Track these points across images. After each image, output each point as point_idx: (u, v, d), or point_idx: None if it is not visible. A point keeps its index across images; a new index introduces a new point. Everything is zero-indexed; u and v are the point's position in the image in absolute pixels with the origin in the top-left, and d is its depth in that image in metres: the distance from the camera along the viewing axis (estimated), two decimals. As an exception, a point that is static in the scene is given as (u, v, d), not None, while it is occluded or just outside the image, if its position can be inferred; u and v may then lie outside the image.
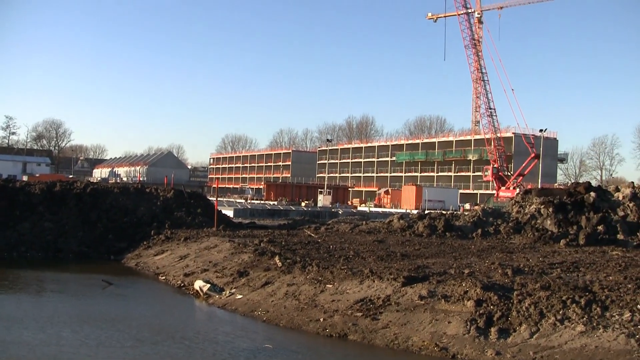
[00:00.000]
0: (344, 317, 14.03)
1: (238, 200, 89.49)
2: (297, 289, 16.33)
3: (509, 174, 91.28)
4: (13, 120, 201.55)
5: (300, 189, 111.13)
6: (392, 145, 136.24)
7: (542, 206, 27.89)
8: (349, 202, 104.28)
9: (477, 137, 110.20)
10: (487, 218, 28.98)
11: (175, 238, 26.87)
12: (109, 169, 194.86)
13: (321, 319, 14.21)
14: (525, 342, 11.62)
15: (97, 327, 14.11)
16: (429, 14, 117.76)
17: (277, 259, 19.28)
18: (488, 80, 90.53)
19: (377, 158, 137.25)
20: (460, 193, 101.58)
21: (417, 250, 21.90)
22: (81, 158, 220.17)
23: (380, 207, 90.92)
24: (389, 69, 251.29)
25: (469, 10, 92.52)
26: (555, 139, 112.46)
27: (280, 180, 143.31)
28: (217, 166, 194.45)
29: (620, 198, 28.06)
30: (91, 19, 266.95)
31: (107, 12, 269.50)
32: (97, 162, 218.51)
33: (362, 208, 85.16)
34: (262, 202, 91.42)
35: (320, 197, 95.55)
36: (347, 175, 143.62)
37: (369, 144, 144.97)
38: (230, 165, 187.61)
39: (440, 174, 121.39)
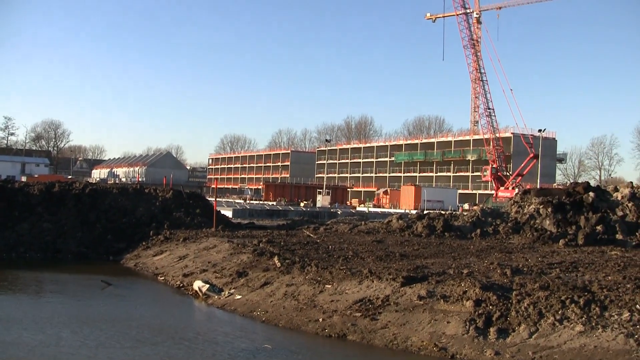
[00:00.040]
0: (343, 318, 14.03)
1: (237, 201, 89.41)
2: (296, 290, 16.34)
3: (508, 174, 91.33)
4: (12, 120, 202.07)
5: (299, 190, 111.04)
6: (390, 145, 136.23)
7: (541, 206, 27.90)
8: (348, 203, 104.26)
9: (476, 137, 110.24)
10: (486, 218, 28.99)
11: (174, 238, 26.86)
12: (108, 170, 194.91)
13: (320, 319, 14.21)
14: (524, 342, 11.63)
15: (96, 327, 14.10)
16: (428, 14, 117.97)
17: (276, 259, 19.28)
18: (487, 81, 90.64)
19: (376, 158, 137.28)
20: (459, 193, 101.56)
21: (416, 250, 21.91)
22: (80, 159, 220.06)
23: (379, 207, 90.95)
24: (387, 69, 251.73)
25: (468, 11, 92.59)
26: (554, 139, 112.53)
27: (279, 181, 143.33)
28: (216, 166, 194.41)
29: (619, 198, 28.07)
30: (90, 19, 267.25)
31: (105, 13, 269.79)
32: (96, 163, 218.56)
33: (361, 208, 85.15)
34: (261, 202, 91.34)
35: (319, 197, 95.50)
36: (346, 175, 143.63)
37: (368, 144, 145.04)
38: (229, 166, 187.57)
39: (439, 174, 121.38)
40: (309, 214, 57.62)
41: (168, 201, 32.56)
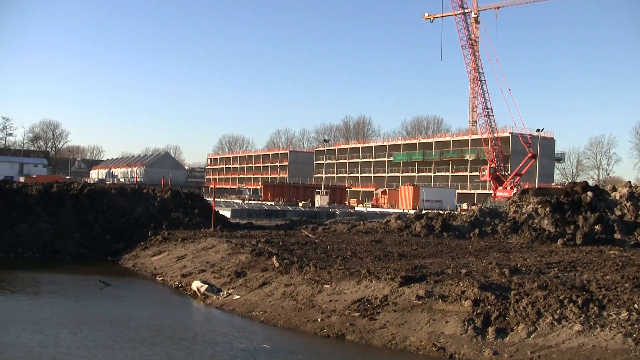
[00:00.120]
0: (341, 318, 14.03)
1: (235, 201, 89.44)
2: (294, 290, 16.33)
3: (506, 173, 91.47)
4: (10, 121, 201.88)
5: (298, 190, 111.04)
6: (389, 145, 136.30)
7: (540, 206, 27.92)
8: (347, 203, 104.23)
9: (475, 137, 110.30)
10: (484, 218, 29.00)
11: (173, 239, 26.85)
12: (106, 170, 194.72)
13: (319, 319, 14.21)
14: (523, 341, 11.64)
15: (95, 328, 14.10)
16: (426, 14, 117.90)
17: (274, 259, 19.28)
18: (485, 80, 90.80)
19: (375, 158, 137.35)
20: (458, 193, 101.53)
21: (414, 250, 21.91)
22: (78, 159, 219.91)
23: (377, 207, 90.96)
24: (385, 69, 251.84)
25: (466, 10, 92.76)
26: (552, 138, 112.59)
27: (277, 181, 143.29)
28: (215, 167, 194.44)
29: (617, 197, 28.10)
30: (88, 20, 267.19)
31: (104, 14, 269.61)
32: (94, 163, 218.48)
33: (360, 208, 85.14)
34: (260, 202, 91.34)
35: (317, 197, 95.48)
36: (345, 175, 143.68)
37: (366, 144, 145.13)
38: (227, 166, 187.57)
39: (437, 174, 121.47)
40: (308, 214, 57.63)
41: (166, 201, 32.54)
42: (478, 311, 12.70)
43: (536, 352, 11.20)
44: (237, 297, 17.07)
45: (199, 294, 17.99)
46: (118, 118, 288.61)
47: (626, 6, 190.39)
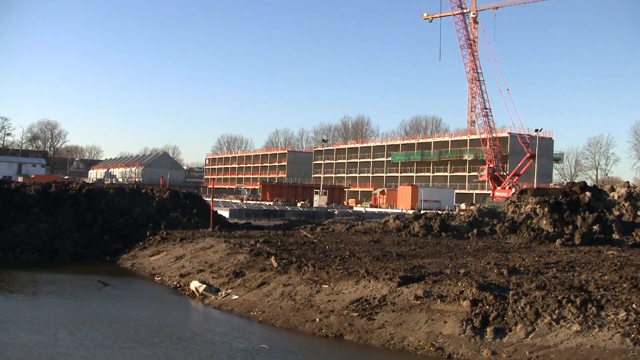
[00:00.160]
0: (339, 318, 14.04)
1: (234, 201, 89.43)
2: (293, 290, 16.34)
3: (505, 174, 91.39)
4: (8, 121, 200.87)
5: (296, 190, 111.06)
6: (387, 145, 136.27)
7: (538, 206, 27.94)
8: (345, 203, 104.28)
9: (473, 137, 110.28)
10: (482, 218, 29.02)
11: (171, 239, 26.85)
12: (105, 170, 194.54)
13: (317, 319, 14.22)
14: (521, 341, 11.65)
15: (93, 328, 14.10)
16: (424, 14, 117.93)
17: (273, 259, 19.28)
18: (483, 80, 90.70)
19: (373, 158, 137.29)
20: (456, 193, 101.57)
21: (412, 250, 21.92)
22: (76, 159, 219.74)
23: (376, 207, 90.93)
24: (384, 69, 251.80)
25: (464, 10, 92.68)
26: (550, 138, 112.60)
27: (276, 181, 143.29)
28: (213, 167, 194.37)
29: (616, 198, 28.12)
30: (87, 20, 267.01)
31: (102, 14, 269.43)
32: (93, 163, 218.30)
33: (358, 208, 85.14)
34: (258, 202, 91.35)
35: (316, 197, 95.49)
36: (343, 175, 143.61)
37: (365, 144, 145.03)
38: (226, 166, 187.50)
39: (436, 174, 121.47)
40: (306, 214, 57.66)
41: (165, 201, 32.55)
42: (476, 311, 12.71)
43: (534, 352, 11.21)
44: (236, 297, 17.07)
45: (197, 294, 17.99)
46: (117, 118, 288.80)
47: (625, 7, 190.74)
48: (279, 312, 15.20)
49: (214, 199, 38.35)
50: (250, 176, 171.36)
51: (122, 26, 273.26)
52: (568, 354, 10.94)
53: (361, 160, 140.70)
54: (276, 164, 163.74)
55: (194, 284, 18.52)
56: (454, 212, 37.96)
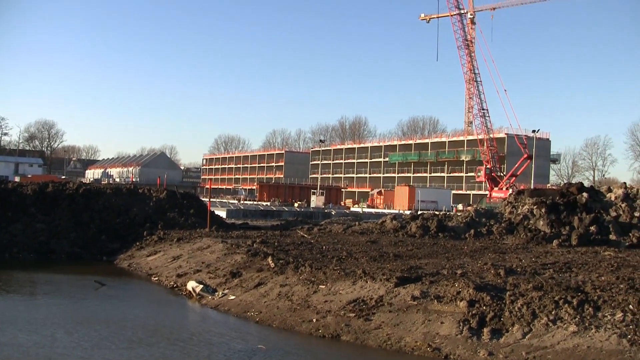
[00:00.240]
0: (336, 318, 14.04)
1: (231, 201, 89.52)
2: (290, 290, 16.34)
3: (502, 174, 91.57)
4: (5, 120, 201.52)
5: (293, 190, 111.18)
6: (385, 145, 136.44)
7: (535, 207, 27.96)
8: (342, 203, 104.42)
9: (470, 137, 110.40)
10: (479, 219, 29.03)
11: (168, 239, 26.83)
12: (102, 170, 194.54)
13: (314, 320, 14.22)
14: (518, 342, 11.66)
15: (91, 328, 14.08)
16: (422, 15, 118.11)
17: (270, 259, 19.28)
18: (481, 81, 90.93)
19: (370, 159, 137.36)
20: (453, 194, 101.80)
21: (409, 250, 21.92)
22: (74, 159, 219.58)
23: (373, 207, 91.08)
24: (381, 70, 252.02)
25: (462, 11, 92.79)
26: (547, 139, 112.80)
27: (273, 181, 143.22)
28: (210, 167, 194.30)
29: (613, 199, 28.15)
30: (85, 20, 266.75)
31: (100, 14, 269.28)
32: (90, 163, 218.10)
33: (355, 209, 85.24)
34: (255, 202, 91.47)
35: (313, 197, 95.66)
36: (340, 175, 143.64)
37: (362, 145, 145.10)
38: (223, 166, 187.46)
39: (433, 174, 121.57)
40: (303, 214, 57.65)
41: (162, 201, 32.53)
42: (473, 312, 12.71)
43: (531, 353, 11.22)
44: (233, 297, 17.07)
45: (194, 294, 17.98)
46: (114, 118, 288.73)
47: (623, 7, 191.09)
48: (276, 312, 15.20)
49: (211, 199, 38.38)
50: (248, 176, 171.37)
51: (120, 26, 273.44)
52: (565, 355, 10.96)
53: (358, 160, 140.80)
54: (273, 164, 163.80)
55: (191, 284, 18.50)
56: (451, 213, 37.97)
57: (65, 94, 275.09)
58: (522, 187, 54.97)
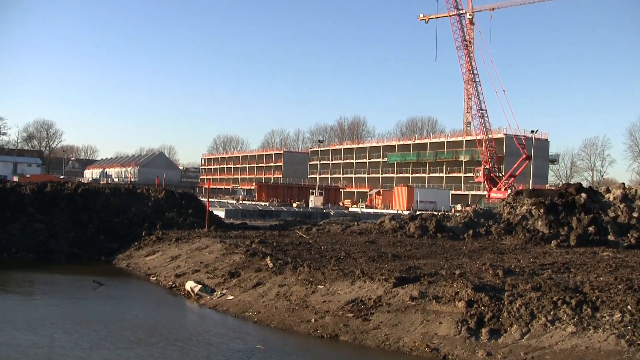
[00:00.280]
0: (335, 318, 14.04)
1: (229, 201, 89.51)
2: (288, 290, 16.34)
3: (501, 175, 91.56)
4: (3, 120, 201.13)
5: (292, 190, 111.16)
6: (383, 146, 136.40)
7: (533, 207, 27.98)
8: (341, 203, 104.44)
9: (469, 138, 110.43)
10: (478, 219, 29.04)
11: (167, 239, 26.83)
12: (100, 170, 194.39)
13: (312, 320, 14.22)
14: (516, 342, 11.66)
15: (90, 328, 14.07)
16: (421, 15, 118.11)
17: (268, 259, 19.28)
18: (479, 82, 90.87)
19: (369, 159, 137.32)
20: (452, 194, 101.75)
21: (408, 251, 21.93)
22: (72, 159, 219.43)
23: (371, 208, 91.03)
24: (380, 70, 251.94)
25: (461, 12, 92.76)
26: (546, 140, 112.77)
27: (271, 181, 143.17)
28: (209, 167, 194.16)
29: (611, 199, 28.17)
30: (84, 20, 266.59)
31: (98, 14, 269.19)
32: (88, 163, 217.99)
33: (354, 209, 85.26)
34: (254, 202, 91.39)
35: (311, 197, 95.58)
36: (339, 176, 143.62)
37: (361, 145, 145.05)
38: (221, 166, 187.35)
39: (431, 175, 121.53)
40: (302, 214, 57.60)
41: (160, 201, 32.51)
42: (472, 312, 12.72)
43: (529, 354, 11.23)
44: (231, 297, 17.07)
45: (192, 294, 17.98)
46: (112, 118, 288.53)
47: (622, 8, 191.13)
48: (275, 312, 15.20)
49: (209, 199, 38.34)
50: (246, 176, 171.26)
51: (119, 26, 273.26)
52: (563, 355, 10.96)
53: (357, 160, 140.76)
54: (272, 164, 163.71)
55: (190, 284, 18.51)
56: (450, 213, 37.98)
57: (64, 93, 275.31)
58: (520, 188, 54.97)
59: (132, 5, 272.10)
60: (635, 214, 26.87)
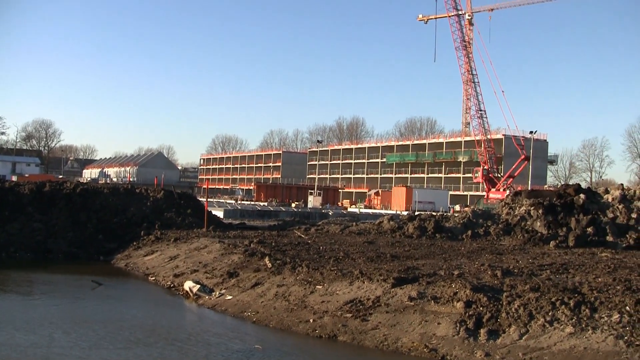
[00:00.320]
0: (333, 318, 14.05)
1: (228, 201, 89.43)
2: (287, 290, 16.34)
3: (499, 175, 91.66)
4: (2, 120, 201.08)
5: (291, 190, 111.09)
6: (382, 146, 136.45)
7: (532, 208, 27.99)
8: (339, 203, 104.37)
9: (468, 138, 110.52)
10: (477, 219, 29.05)
11: (165, 239, 26.83)
12: (99, 170, 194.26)
13: (311, 320, 14.23)
14: (515, 343, 11.67)
15: (88, 328, 14.06)
16: (420, 16, 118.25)
17: (267, 259, 19.28)
18: (478, 82, 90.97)
19: (368, 159, 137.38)
20: (451, 194, 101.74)
21: (407, 251, 21.94)
22: (71, 158, 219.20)
23: (370, 208, 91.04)
24: (379, 70, 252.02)
25: (460, 12, 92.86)
26: (545, 140, 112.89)
27: (270, 181, 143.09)
28: (208, 167, 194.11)
29: (610, 200, 28.18)
30: (83, 20, 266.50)
31: (97, 14, 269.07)
32: (87, 163, 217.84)
33: (352, 209, 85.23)
34: (252, 203, 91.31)
35: (310, 198, 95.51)
36: (338, 176, 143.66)
37: (360, 145, 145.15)
38: (220, 166, 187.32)
39: (430, 175, 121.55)
40: (300, 214, 57.63)
41: (159, 201, 32.51)
42: (470, 313, 12.73)
43: (528, 354, 11.24)
44: (230, 297, 17.07)
45: (191, 294, 17.98)
46: (111, 117, 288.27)
47: (621, 9, 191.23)
48: (273, 312, 15.20)
49: (208, 199, 38.34)
50: (245, 176, 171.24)
51: (118, 26, 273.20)
52: (561, 356, 10.97)
53: (356, 161, 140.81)
54: (271, 164, 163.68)
55: (188, 284, 18.51)
56: (448, 214, 38.02)
57: (63, 93, 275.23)
58: (519, 188, 55.04)
59: (131, 5, 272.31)
60: (633, 215, 26.88)
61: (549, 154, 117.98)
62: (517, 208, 29.02)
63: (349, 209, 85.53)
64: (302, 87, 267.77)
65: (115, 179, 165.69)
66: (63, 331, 13.77)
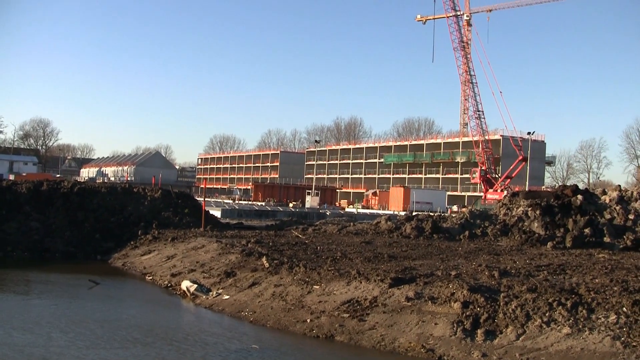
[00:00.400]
0: (330, 318, 14.05)
1: (226, 201, 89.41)
2: (284, 290, 16.34)
3: (497, 176, 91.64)
4: (0, 118, 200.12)
5: (288, 190, 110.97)
6: (380, 146, 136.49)
7: (530, 209, 28.01)
8: (337, 204, 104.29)
9: (465, 139, 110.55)
10: (474, 220, 29.07)
11: (163, 238, 26.81)
12: (97, 169, 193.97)
13: (308, 320, 14.23)
14: (512, 343, 11.68)
15: (86, 328, 14.05)
16: (418, 16, 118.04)
17: (264, 259, 19.28)
18: (476, 83, 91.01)
19: (365, 159, 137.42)
20: (448, 195, 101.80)
21: (404, 251, 21.94)
22: (68, 157, 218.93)
23: (368, 208, 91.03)
24: (377, 71, 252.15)
25: (458, 13, 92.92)
26: (543, 141, 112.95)
27: (268, 181, 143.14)
28: (205, 166, 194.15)
29: (607, 201, 28.21)
30: (81, 20, 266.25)
31: (96, 13, 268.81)
32: (85, 162, 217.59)
33: (350, 209, 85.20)
34: (250, 202, 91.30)
35: (308, 198, 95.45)
36: (335, 176, 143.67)
37: (357, 146, 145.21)
38: (218, 166, 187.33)
39: (428, 175, 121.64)
40: (298, 214, 57.61)
41: (157, 201, 32.49)
42: (467, 313, 12.74)
43: (525, 355, 11.25)
44: (227, 297, 17.07)
45: (188, 294, 17.98)
46: (109, 117, 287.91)
47: (619, 10, 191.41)
48: (270, 312, 15.20)
49: (205, 199, 38.32)
50: (243, 176, 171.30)
51: (117, 26, 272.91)
52: (558, 357, 10.98)
53: (353, 161, 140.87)
54: (268, 164, 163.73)
55: (185, 284, 18.51)
56: (446, 214, 38.03)
57: (61, 92, 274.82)
58: (516, 189, 55.07)
59: (129, 5, 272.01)
60: (631, 216, 26.90)
61: (546, 155, 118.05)
62: (515, 209, 29.05)
63: (347, 209, 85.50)
64: (300, 87, 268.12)
65: (112, 179, 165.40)
66: (60, 330, 13.76)
